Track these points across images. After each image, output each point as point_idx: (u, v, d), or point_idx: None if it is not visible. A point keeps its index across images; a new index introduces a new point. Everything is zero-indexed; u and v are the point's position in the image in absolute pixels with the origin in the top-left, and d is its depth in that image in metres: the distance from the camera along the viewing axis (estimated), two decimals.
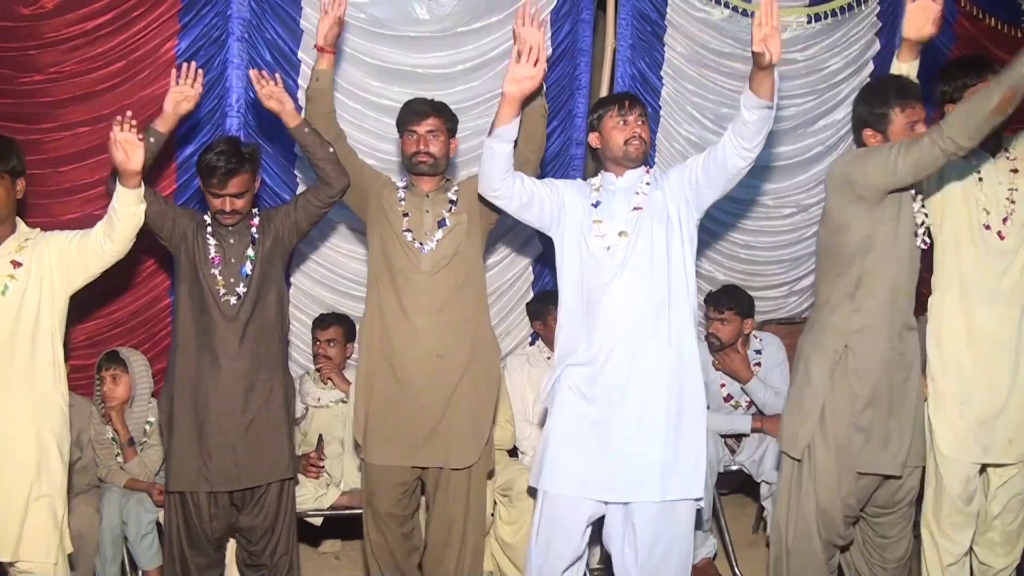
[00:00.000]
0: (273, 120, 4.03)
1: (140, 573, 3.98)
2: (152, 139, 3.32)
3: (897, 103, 3.26)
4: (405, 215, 3.59)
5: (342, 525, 4.34)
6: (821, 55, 4.74)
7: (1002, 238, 3.41)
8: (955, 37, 4.87)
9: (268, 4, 4.04)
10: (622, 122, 3.32)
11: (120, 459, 4.04)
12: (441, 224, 3.57)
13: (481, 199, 3.48)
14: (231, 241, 3.50)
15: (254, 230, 3.53)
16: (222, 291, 3.45)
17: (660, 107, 4.60)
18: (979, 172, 3.47)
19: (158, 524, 3.94)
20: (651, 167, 3.43)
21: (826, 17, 4.70)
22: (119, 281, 4.10)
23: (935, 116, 4.50)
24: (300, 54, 4.12)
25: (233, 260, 3.49)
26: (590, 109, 3.49)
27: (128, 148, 3.11)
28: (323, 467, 4.13)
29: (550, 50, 4.39)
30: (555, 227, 3.39)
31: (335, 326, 4.34)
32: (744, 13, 4.59)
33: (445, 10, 4.24)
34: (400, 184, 3.68)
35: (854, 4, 4.74)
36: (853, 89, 4.81)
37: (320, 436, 4.20)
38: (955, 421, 3.42)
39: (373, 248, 3.66)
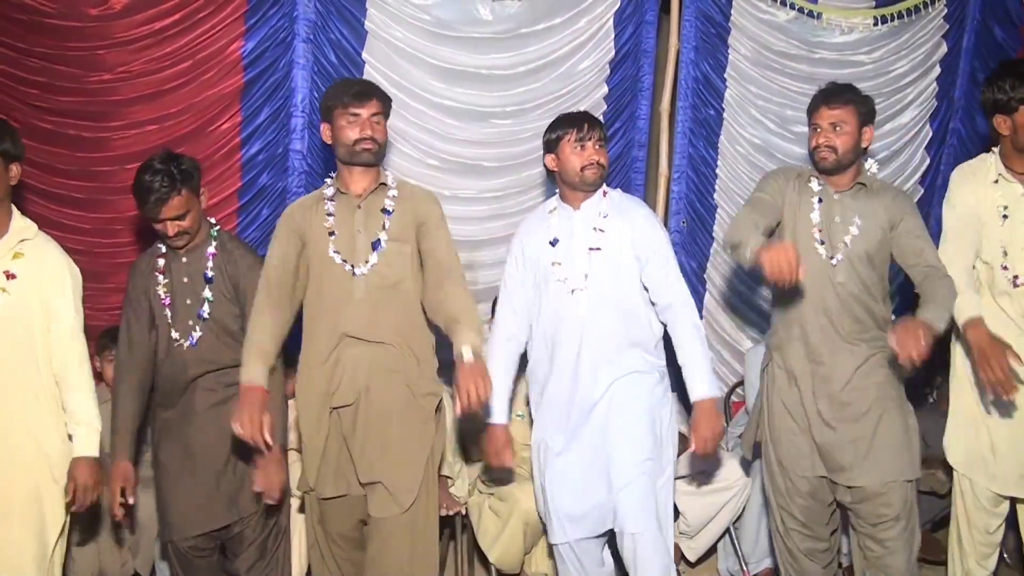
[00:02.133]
0: None
1: None
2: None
3: None
4: (331, 234, 3.18)
5: None
6: (887, 58, 4.67)
7: (1016, 285, 3.28)
8: (1021, 40, 4.78)
9: (333, 5, 4.05)
10: (580, 147, 3.26)
11: None
12: (376, 246, 3.16)
13: (419, 241, 3.25)
14: (184, 280, 3.26)
15: (210, 266, 3.26)
16: (175, 335, 3.24)
17: (723, 110, 4.55)
18: (1005, 209, 3.31)
19: None
20: (607, 191, 3.37)
21: (893, 19, 4.63)
22: None
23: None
24: (364, 55, 4.12)
25: (189, 301, 3.24)
26: (548, 127, 3.37)
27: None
28: None
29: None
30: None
31: None
32: (810, 15, 4.54)
33: (509, 11, 4.22)
34: (327, 193, 3.25)
35: (921, 7, 4.66)
36: (920, 92, 4.78)
37: None
38: (969, 440, 3.36)
39: (309, 281, 3.25)
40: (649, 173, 4.68)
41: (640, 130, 4.58)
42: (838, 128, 3.24)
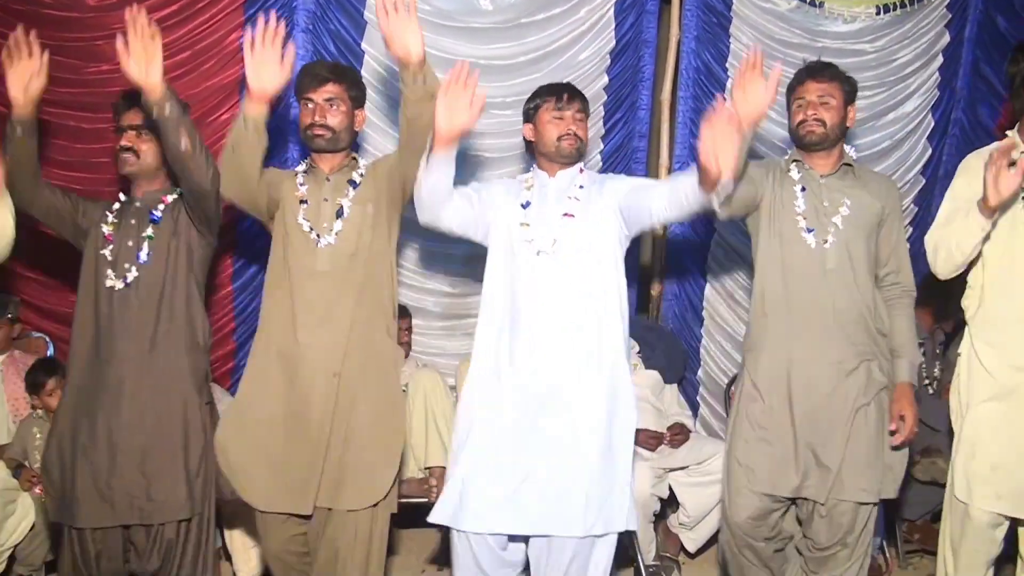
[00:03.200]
0: None
1: None
2: (19, 131, 2.97)
3: None
4: (303, 202, 3.15)
5: (398, 514, 4.33)
6: (890, 47, 4.65)
7: None
8: None
9: None
10: (558, 117, 3.15)
11: None
12: (340, 214, 3.15)
13: (389, 180, 3.18)
14: (132, 221, 3.11)
15: (160, 208, 3.13)
16: (110, 274, 3.06)
17: (726, 100, 4.51)
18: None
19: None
20: (584, 166, 3.28)
21: (895, 8, 4.60)
22: None
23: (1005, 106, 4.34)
24: (364, 45, 4.11)
25: (131, 243, 3.08)
26: (528, 97, 3.26)
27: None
28: None
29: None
30: (487, 234, 3.18)
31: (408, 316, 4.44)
32: (812, 3, 4.51)
33: (509, 1, 4.22)
34: (300, 168, 3.26)
35: None
36: (922, 82, 4.75)
37: None
38: (967, 463, 3.10)
39: (272, 245, 3.20)
40: (650, 163, 4.67)
41: (641, 120, 4.56)
42: (825, 102, 3.18)
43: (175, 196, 3.17)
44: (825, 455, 3.12)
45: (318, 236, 3.12)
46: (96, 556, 3.06)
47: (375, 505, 3.11)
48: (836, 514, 3.15)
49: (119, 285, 3.05)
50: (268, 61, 2.89)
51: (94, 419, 3.01)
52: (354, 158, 3.26)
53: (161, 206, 3.15)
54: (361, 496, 3.09)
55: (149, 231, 3.10)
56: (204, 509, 3.13)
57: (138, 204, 3.15)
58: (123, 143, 3.10)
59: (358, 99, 3.23)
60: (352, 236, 3.13)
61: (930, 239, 3.19)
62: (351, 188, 3.18)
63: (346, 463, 3.07)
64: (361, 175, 3.22)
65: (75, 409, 3.05)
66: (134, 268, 3.06)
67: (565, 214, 3.11)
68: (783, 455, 3.16)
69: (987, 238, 3.06)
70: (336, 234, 3.12)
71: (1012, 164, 2.93)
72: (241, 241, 4.18)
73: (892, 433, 3.18)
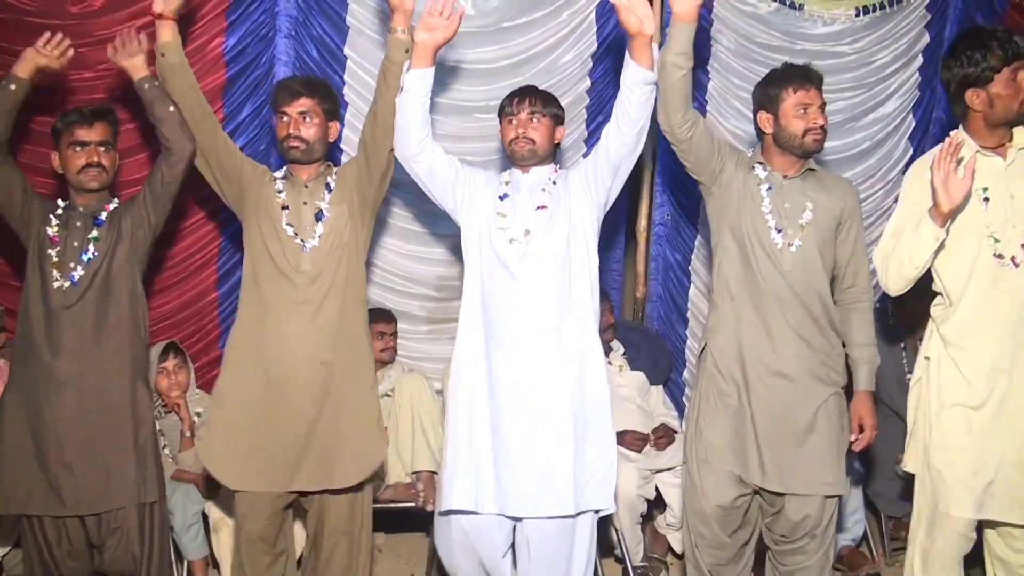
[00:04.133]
0: None
1: (185, 563, 3.99)
2: (12, 86, 3.23)
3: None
4: (284, 208, 3.34)
5: (386, 518, 4.35)
6: (870, 48, 4.65)
7: (1016, 265, 2.95)
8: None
9: (314, 1, 4.04)
10: (512, 120, 3.29)
11: (167, 450, 4.06)
12: (319, 217, 3.34)
13: (356, 178, 3.40)
14: (77, 224, 3.28)
15: (103, 214, 3.32)
16: (56, 274, 3.21)
17: (707, 102, 4.53)
18: (985, 191, 2.99)
19: (204, 515, 3.98)
20: (559, 166, 3.45)
21: (875, 10, 4.60)
22: (167, 275, 4.16)
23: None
24: (346, 50, 4.10)
25: (76, 243, 3.24)
26: None
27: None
28: None
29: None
30: (461, 210, 3.33)
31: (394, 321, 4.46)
32: (792, 6, 4.52)
33: (491, 5, 4.21)
34: (278, 175, 3.44)
35: None
36: (902, 83, 4.76)
37: None
38: (942, 470, 3.03)
39: (251, 245, 3.37)
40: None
41: None
42: (822, 109, 3.19)
43: (116, 204, 3.38)
44: (787, 450, 3.15)
45: (303, 241, 3.30)
46: (61, 553, 3.25)
47: (359, 490, 3.37)
48: (806, 507, 3.18)
49: (66, 284, 3.21)
50: None
51: (39, 413, 3.18)
52: (329, 165, 3.46)
53: (104, 213, 3.34)
54: (343, 475, 3.30)
55: (95, 233, 3.28)
56: (157, 499, 3.32)
57: (81, 210, 3.32)
58: (93, 159, 3.29)
59: (331, 112, 3.43)
60: (332, 236, 3.33)
61: (879, 253, 3.15)
62: (327, 192, 3.38)
63: (336, 444, 3.28)
64: (334, 179, 3.42)
65: (19, 404, 3.21)
66: (80, 268, 3.23)
67: (539, 207, 3.24)
68: (744, 447, 3.19)
69: (942, 247, 3.01)
70: (319, 236, 3.31)
71: (959, 163, 2.89)
72: (226, 247, 4.18)
73: (852, 442, 3.23)
